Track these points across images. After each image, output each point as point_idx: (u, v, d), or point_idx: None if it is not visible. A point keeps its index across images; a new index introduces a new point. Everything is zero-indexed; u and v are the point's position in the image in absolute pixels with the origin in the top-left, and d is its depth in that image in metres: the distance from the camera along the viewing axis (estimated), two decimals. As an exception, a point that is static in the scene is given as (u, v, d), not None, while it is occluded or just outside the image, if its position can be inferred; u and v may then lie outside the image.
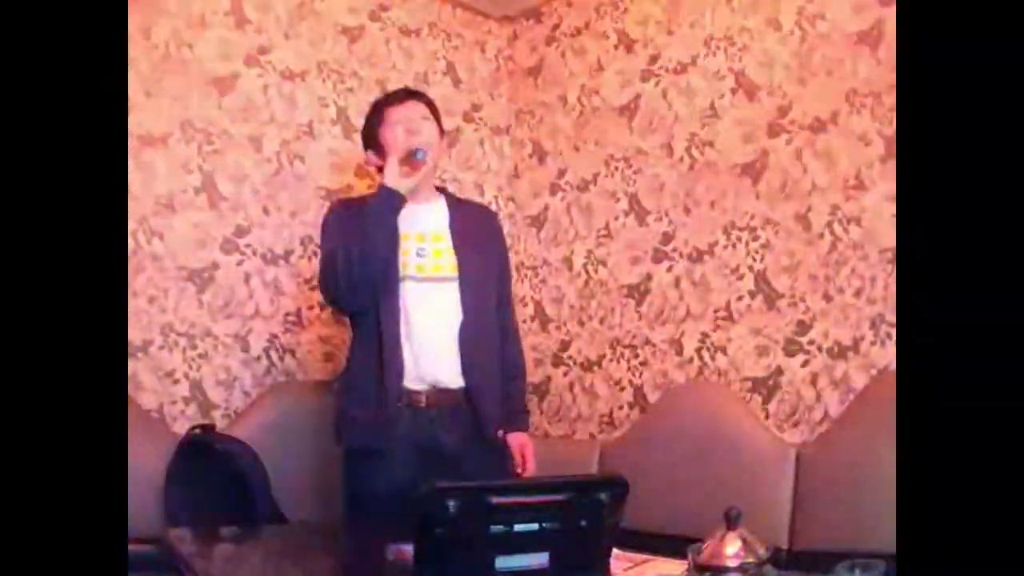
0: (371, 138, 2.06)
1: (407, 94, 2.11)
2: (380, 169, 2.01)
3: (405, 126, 1.99)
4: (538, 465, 2.12)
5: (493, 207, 3.12)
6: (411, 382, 1.94)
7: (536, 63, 3.17)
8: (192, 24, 2.53)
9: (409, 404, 1.94)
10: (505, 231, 3.08)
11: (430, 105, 2.08)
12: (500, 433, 2.05)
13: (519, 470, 2.06)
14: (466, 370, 1.96)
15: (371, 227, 1.90)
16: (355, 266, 1.88)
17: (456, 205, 2.12)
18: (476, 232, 2.08)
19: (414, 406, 1.94)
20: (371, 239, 1.89)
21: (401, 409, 1.93)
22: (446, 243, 2.01)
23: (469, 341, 1.97)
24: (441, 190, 2.15)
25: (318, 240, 2.68)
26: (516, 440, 2.08)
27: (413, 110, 2.03)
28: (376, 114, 2.07)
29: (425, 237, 2.00)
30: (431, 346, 1.95)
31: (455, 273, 1.99)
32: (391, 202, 1.91)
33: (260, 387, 2.58)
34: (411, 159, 1.94)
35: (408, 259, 1.97)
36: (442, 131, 2.11)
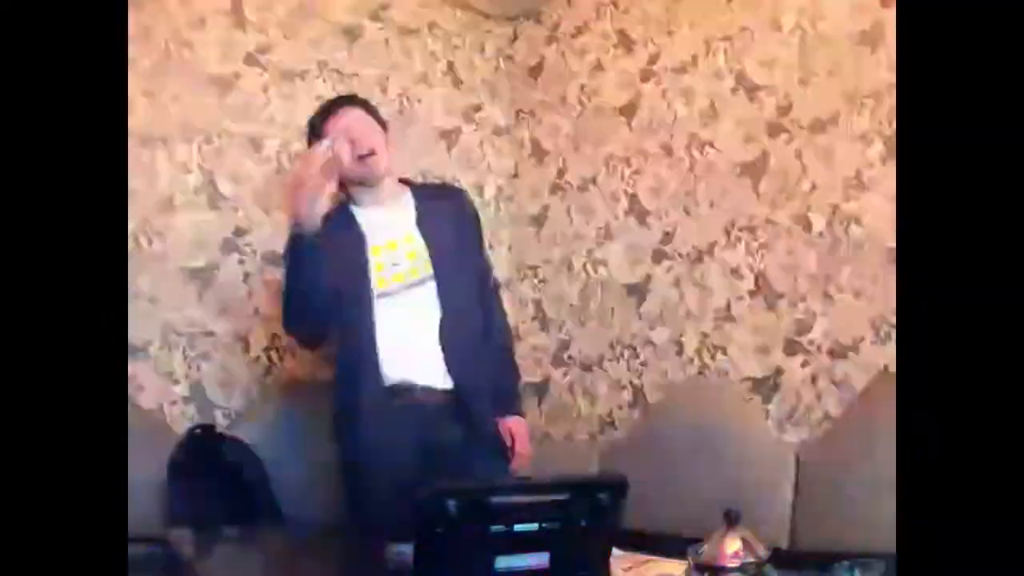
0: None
1: (339, 103, 2.03)
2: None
3: (347, 136, 1.93)
4: (538, 465, 2.12)
5: (492, 207, 3.13)
6: (400, 385, 1.92)
7: (536, 63, 3.17)
8: (192, 24, 2.53)
9: (400, 403, 1.92)
10: (505, 231, 3.10)
11: (367, 108, 2.02)
12: (495, 423, 2.02)
13: (509, 454, 2.03)
14: (451, 368, 1.94)
15: (297, 281, 1.84)
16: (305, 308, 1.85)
17: (423, 196, 2.06)
18: (447, 221, 2.02)
19: (405, 404, 1.92)
20: (306, 286, 1.84)
21: (392, 408, 1.91)
22: (417, 243, 1.97)
23: (451, 338, 1.95)
24: (405, 182, 2.09)
25: (318, 240, 2.70)
26: (506, 425, 2.05)
27: (350, 118, 1.97)
28: (314, 133, 1.99)
29: (397, 244, 1.96)
30: (415, 351, 1.93)
31: (431, 272, 1.96)
32: (304, 249, 1.81)
33: (260, 387, 2.58)
34: (361, 162, 1.90)
35: (384, 273, 1.94)
36: (385, 129, 2.04)
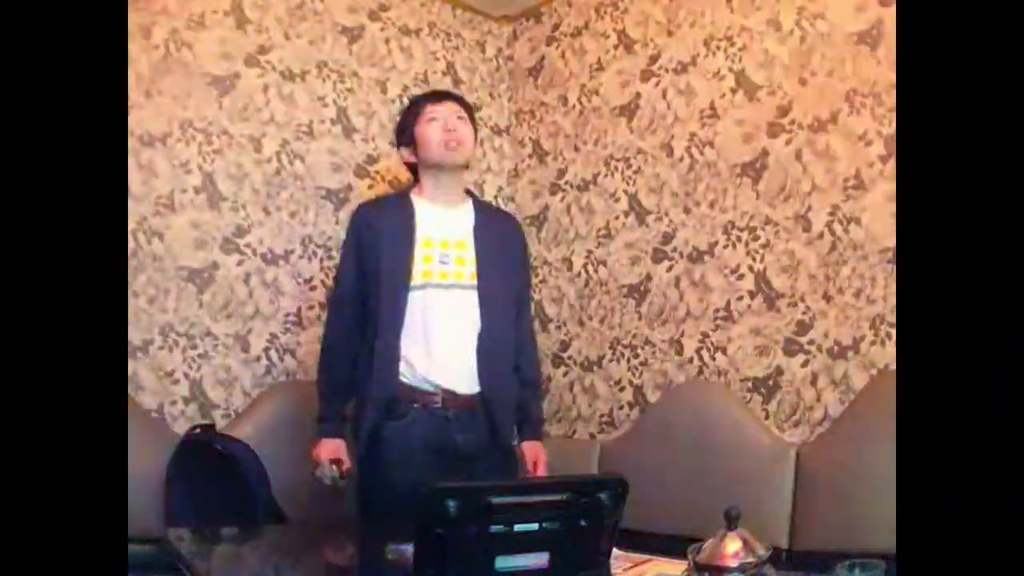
0: (405, 134, 2.10)
1: (444, 94, 2.17)
2: (411, 167, 2.10)
3: (441, 123, 2.03)
4: (538, 465, 2.13)
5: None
6: (424, 384, 1.94)
7: (536, 63, 3.17)
8: (192, 24, 2.53)
9: (424, 405, 1.94)
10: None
11: (466, 107, 2.13)
12: (516, 443, 2.07)
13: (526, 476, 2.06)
14: (482, 379, 1.98)
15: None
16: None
17: (482, 211, 2.13)
18: (499, 240, 2.09)
19: (429, 407, 1.94)
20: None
21: (416, 410, 1.93)
22: (469, 250, 2.02)
23: (486, 350, 1.98)
24: (469, 193, 2.17)
25: (318, 240, 2.71)
26: (530, 449, 2.10)
27: (449, 109, 2.07)
28: (412, 110, 2.11)
29: (449, 243, 2.01)
30: (448, 353, 1.96)
31: (475, 282, 2.00)
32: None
33: (260, 387, 2.58)
34: (447, 148, 2.01)
35: (431, 266, 1.98)
36: (476, 131, 2.15)
